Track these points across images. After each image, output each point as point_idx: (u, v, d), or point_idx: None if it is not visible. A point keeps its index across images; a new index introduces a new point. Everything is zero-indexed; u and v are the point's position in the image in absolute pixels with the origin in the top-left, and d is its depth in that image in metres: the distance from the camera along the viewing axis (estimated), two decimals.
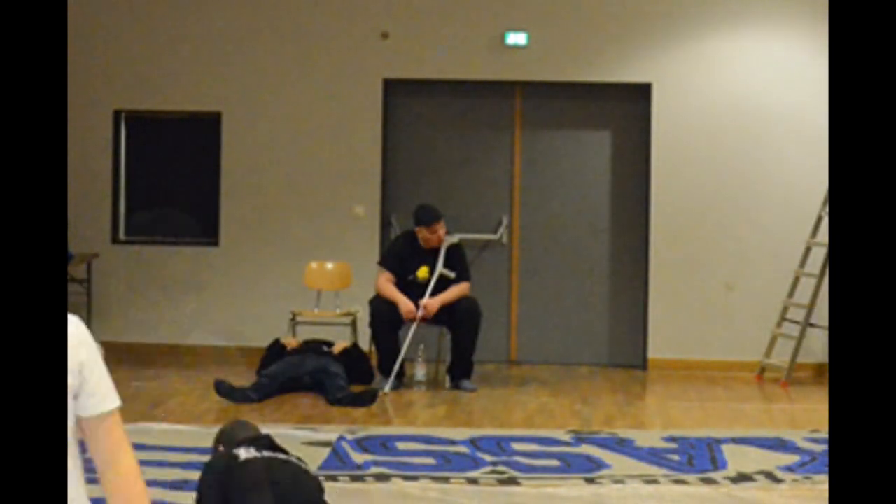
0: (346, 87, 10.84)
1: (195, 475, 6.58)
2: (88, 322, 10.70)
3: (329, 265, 10.52)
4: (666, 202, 10.68)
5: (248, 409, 8.54)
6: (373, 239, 10.83)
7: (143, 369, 10.12)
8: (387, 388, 9.29)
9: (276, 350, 9.64)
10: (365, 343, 10.15)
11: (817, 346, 10.50)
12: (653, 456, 7.24)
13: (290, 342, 9.73)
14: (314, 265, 10.49)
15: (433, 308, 9.48)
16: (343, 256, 10.68)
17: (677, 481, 6.68)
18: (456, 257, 9.70)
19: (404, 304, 9.47)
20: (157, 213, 11.18)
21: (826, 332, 10.37)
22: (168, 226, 11.15)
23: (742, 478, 6.77)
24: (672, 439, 7.69)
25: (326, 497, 5.52)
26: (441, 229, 9.60)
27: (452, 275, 9.57)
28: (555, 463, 7.07)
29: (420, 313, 9.46)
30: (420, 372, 9.50)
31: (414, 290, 9.56)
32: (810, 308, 10.17)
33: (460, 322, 9.55)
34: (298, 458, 5.25)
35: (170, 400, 8.86)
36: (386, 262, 9.75)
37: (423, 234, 9.58)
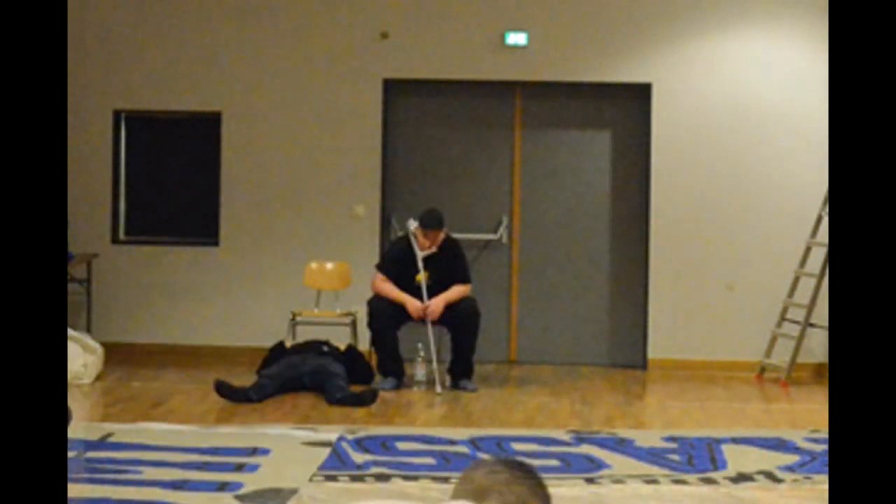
0: (346, 87, 10.84)
1: (195, 475, 6.58)
2: (88, 322, 10.74)
3: (329, 265, 10.52)
4: (666, 202, 10.68)
5: (248, 410, 8.55)
6: (373, 239, 10.83)
7: (143, 369, 10.12)
8: (388, 387, 9.31)
9: (278, 351, 9.64)
10: (365, 343, 10.14)
11: (817, 346, 10.50)
12: (653, 456, 7.24)
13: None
14: (314, 265, 10.49)
15: (438, 309, 9.48)
16: (343, 256, 10.68)
17: (677, 481, 6.68)
18: (456, 259, 9.70)
19: (411, 303, 9.48)
20: (157, 213, 11.17)
21: (826, 332, 10.37)
22: (168, 226, 11.14)
23: (742, 478, 6.77)
24: (672, 439, 7.69)
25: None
26: (441, 236, 9.61)
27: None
28: (555, 463, 7.07)
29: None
30: (420, 372, 9.50)
31: (412, 294, 9.56)
32: (810, 308, 10.17)
33: (460, 322, 9.56)
34: None
35: (170, 400, 8.86)
36: (384, 266, 9.74)
37: (421, 235, 9.59)
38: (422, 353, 9.51)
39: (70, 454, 6.79)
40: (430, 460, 7.07)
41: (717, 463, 7.10)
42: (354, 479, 6.59)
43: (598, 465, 7.01)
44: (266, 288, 10.87)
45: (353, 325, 10.17)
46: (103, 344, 9.95)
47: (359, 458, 7.06)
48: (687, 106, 10.67)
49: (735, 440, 7.68)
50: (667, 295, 10.70)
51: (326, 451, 7.14)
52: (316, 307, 10.39)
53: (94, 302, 10.90)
